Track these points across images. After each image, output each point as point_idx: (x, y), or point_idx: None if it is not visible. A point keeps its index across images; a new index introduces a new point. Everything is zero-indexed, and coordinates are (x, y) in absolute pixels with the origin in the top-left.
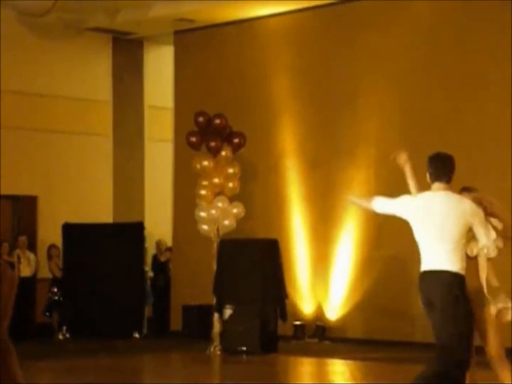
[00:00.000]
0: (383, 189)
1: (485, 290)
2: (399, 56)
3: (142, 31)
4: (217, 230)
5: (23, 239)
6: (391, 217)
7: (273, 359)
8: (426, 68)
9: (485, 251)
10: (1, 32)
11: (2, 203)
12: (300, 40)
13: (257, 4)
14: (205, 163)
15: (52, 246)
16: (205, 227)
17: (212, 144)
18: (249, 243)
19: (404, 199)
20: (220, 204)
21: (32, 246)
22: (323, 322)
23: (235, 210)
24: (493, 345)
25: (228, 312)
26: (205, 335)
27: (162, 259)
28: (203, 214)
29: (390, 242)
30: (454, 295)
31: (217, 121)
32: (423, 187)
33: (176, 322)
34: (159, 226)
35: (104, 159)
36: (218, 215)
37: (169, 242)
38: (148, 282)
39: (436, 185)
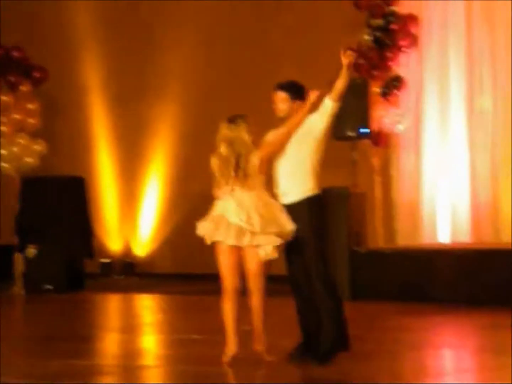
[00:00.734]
0: (191, 126)
1: None
2: None
3: None
4: (19, 168)
5: None
6: (199, 152)
7: (80, 296)
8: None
9: None
10: None
11: None
12: None
13: None
14: (4, 98)
15: None
16: (5, 165)
17: (11, 78)
18: (53, 181)
19: None
20: (21, 141)
21: None
22: (131, 258)
23: (37, 147)
24: None
25: (32, 251)
26: (8, 276)
27: None
28: (3, 151)
29: (198, 178)
30: None
31: (15, 54)
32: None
33: None
34: None
35: None
36: (19, 153)
37: None
38: None
39: None
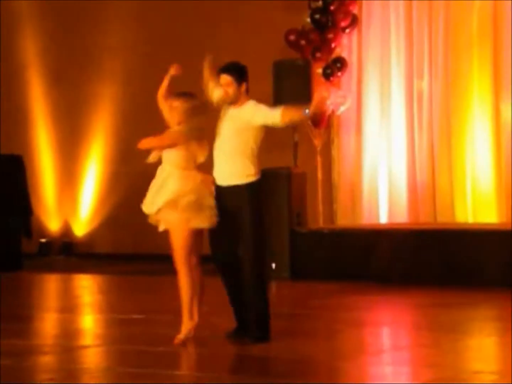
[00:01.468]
0: (131, 104)
1: None
2: None
3: None
4: None
5: None
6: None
7: (18, 276)
8: None
9: None
10: None
11: None
12: None
13: None
14: None
15: None
16: None
17: None
18: None
19: None
20: None
21: None
22: (70, 238)
23: None
24: None
25: None
26: None
27: None
28: None
29: (138, 157)
30: None
31: None
32: None
33: None
34: None
35: None
36: None
37: None
38: None
39: None
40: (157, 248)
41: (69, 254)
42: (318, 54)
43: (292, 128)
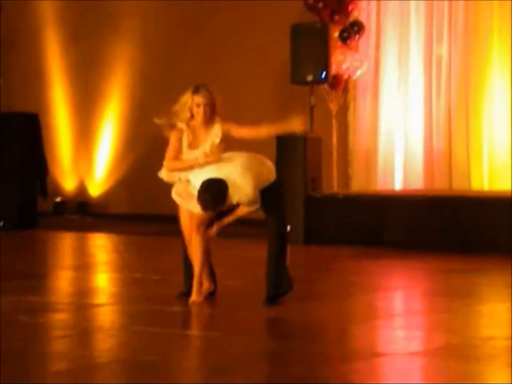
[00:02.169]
0: (149, 66)
1: None
2: None
3: None
4: None
5: None
6: (156, 93)
7: (32, 234)
8: None
9: None
10: None
11: None
12: None
13: None
14: None
15: None
16: None
17: None
18: (6, 118)
19: None
20: None
21: None
22: (85, 198)
23: None
24: None
25: None
26: None
27: None
28: None
29: (152, 119)
30: None
31: None
32: None
33: None
34: None
35: None
36: None
37: None
38: None
39: None
40: (172, 209)
41: (83, 214)
42: (336, 17)
43: (308, 92)
